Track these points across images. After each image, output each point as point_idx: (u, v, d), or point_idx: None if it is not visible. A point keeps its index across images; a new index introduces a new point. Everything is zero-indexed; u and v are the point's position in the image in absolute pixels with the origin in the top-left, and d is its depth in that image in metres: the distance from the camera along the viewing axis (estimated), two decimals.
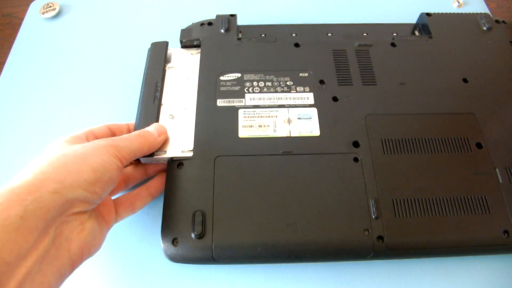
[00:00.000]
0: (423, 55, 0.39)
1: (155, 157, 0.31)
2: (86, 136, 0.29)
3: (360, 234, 0.29)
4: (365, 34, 0.40)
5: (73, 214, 0.23)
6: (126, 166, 0.31)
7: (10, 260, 0.19)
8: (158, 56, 0.37)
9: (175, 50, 0.39)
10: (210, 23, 0.40)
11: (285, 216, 0.29)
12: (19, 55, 0.44)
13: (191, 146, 0.32)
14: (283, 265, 0.31)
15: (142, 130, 0.31)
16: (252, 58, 0.38)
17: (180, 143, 0.32)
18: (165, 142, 0.32)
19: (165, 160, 0.32)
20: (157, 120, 0.33)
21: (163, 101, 0.35)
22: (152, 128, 0.31)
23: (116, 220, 0.29)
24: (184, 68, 0.37)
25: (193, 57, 0.38)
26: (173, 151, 0.32)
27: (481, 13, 0.42)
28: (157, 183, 0.32)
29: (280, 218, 0.29)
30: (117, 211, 0.29)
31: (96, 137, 0.30)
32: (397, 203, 0.30)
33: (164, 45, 0.38)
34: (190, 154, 0.32)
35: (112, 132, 0.32)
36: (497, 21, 0.42)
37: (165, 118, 0.34)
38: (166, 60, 0.37)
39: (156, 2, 0.49)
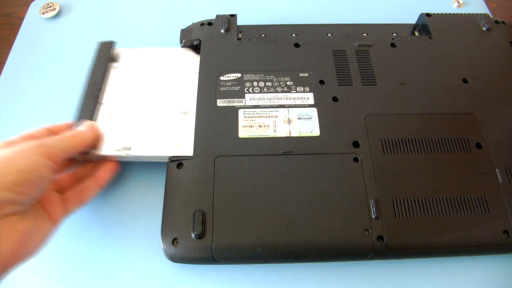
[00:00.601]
0: (423, 55, 0.39)
1: (89, 155, 0.32)
2: (24, 140, 0.29)
3: (360, 234, 0.29)
4: (365, 34, 0.40)
5: (1, 217, 0.23)
6: (65, 164, 0.32)
7: None
8: (102, 56, 0.38)
9: (124, 50, 0.39)
10: (210, 23, 0.40)
11: (285, 216, 0.29)
12: (19, 55, 0.44)
13: (124, 144, 0.33)
14: (283, 265, 0.31)
15: (74, 129, 0.32)
16: (252, 58, 0.38)
17: (116, 141, 0.33)
18: (99, 140, 0.33)
19: (100, 158, 0.33)
20: (92, 119, 0.34)
21: (103, 100, 0.35)
22: (83, 126, 0.32)
23: (66, 215, 0.29)
24: (131, 68, 0.38)
25: (143, 56, 0.39)
26: (107, 149, 0.32)
27: (480, 14, 0.42)
28: (105, 173, 0.33)
29: (280, 218, 0.29)
30: (66, 206, 0.29)
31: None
32: (397, 203, 0.30)
33: (110, 44, 0.38)
34: (125, 152, 0.32)
35: (52, 133, 0.32)
36: (496, 22, 0.42)
37: (102, 116, 0.34)
38: (111, 59, 0.38)
39: (156, 2, 0.49)
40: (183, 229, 0.29)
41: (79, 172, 0.33)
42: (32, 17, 0.47)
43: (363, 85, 0.36)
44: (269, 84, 0.36)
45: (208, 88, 0.36)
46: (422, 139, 0.33)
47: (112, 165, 0.33)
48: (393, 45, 0.39)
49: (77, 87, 0.41)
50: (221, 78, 0.36)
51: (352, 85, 0.36)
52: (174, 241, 0.29)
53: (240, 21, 0.41)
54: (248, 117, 0.34)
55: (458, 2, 0.48)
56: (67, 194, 0.30)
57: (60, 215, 0.28)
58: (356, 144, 0.33)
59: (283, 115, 0.34)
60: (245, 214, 0.29)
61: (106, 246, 0.32)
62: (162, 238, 0.29)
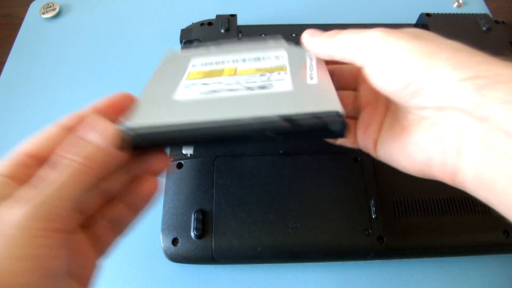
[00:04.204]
0: None
1: None
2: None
3: (360, 234, 0.29)
4: None
5: None
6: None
7: None
8: None
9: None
10: (210, 23, 0.40)
11: (285, 216, 0.29)
12: (19, 55, 0.44)
13: None
14: (283, 265, 0.31)
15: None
16: None
17: None
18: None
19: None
20: None
21: None
22: (92, 121, 0.19)
23: (102, 256, 0.21)
24: None
25: None
26: None
27: (480, 14, 0.42)
28: (148, 187, 0.21)
29: (280, 218, 0.29)
30: (99, 247, 0.21)
31: None
32: (397, 203, 0.30)
33: None
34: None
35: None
36: (496, 22, 0.41)
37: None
38: None
39: (156, 2, 0.49)
40: (183, 229, 0.29)
41: (105, 187, 0.20)
42: (32, 17, 0.47)
43: None
44: None
45: None
46: None
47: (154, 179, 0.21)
48: None
49: (76, 87, 0.41)
50: None
51: None
52: (174, 241, 0.29)
53: (240, 21, 0.41)
54: None
55: (458, 2, 0.48)
56: (97, 229, 0.20)
57: (95, 265, 0.20)
58: None
59: None
60: (245, 214, 0.29)
61: None
62: (162, 238, 0.29)
